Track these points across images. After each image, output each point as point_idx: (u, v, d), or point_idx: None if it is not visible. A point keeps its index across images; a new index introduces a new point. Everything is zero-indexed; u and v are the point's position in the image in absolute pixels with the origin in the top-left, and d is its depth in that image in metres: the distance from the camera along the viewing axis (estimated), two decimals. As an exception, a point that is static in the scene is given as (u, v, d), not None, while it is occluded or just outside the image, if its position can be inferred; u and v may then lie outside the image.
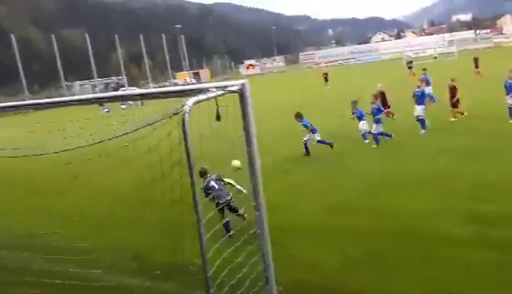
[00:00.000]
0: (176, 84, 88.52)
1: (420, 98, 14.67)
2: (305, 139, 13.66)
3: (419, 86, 15.30)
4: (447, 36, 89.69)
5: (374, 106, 13.83)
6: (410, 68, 34.98)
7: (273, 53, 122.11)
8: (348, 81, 38.48)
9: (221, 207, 7.44)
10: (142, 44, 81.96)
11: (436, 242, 6.60)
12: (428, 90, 18.10)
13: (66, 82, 73.05)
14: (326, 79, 35.33)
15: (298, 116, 13.78)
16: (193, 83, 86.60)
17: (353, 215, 8.03)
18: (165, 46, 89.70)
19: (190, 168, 4.22)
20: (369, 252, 6.53)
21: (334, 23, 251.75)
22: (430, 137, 13.44)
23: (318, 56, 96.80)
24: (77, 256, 7.26)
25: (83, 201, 10.58)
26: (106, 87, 77.59)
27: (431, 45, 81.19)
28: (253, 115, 4.91)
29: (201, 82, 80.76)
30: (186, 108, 3.94)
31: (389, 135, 13.79)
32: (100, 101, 7.06)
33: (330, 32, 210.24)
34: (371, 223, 7.52)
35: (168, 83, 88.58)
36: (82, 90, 73.65)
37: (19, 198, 11.19)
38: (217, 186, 7.86)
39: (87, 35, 73.81)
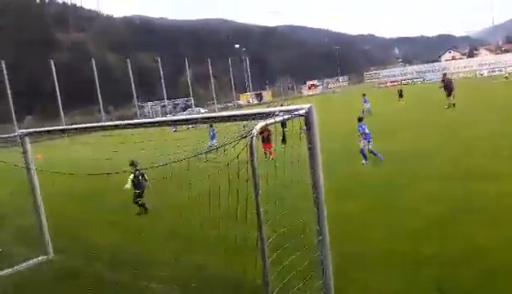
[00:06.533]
0: (239, 105, 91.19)
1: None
2: (361, 146, 14.27)
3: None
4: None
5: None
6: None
7: (337, 73, 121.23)
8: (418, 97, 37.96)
9: (138, 194, 11.46)
10: (210, 67, 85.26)
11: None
12: None
13: (138, 103, 77.58)
14: (401, 95, 37.79)
15: (359, 120, 14.86)
16: (255, 104, 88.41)
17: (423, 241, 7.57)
18: (231, 69, 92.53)
19: (256, 189, 4.32)
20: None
21: (400, 41, 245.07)
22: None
23: (383, 76, 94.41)
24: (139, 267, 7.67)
25: (151, 217, 11.11)
26: (175, 108, 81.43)
27: (508, 63, 76.02)
28: (318, 139, 4.96)
29: (263, 103, 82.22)
30: (254, 132, 4.09)
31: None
32: (169, 124, 7.46)
33: (397, 51, 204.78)
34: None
35: (231, 104, 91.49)
36: (152, 110, 77.88)
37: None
38: (141, 180, 11.45)
39: (158, 59, 78.28)
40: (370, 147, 14.33)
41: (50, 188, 9.59)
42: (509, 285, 5.81)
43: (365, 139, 14.28)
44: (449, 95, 27.76)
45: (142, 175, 11.64)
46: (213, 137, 19.27)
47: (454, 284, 5.93)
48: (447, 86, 28.13)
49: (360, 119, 14.97)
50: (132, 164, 11.45)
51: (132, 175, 11.46)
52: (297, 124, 4.84)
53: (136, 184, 11.58)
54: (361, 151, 14.36)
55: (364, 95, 31.92)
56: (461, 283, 5.93)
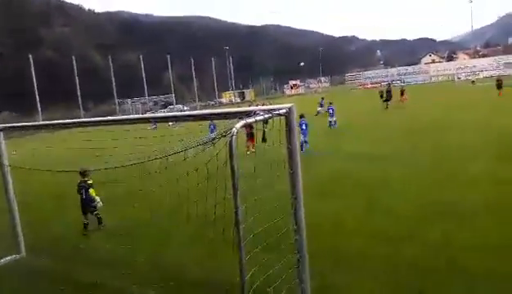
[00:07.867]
0: (221, 103, 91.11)
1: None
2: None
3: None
4: (504, 58, 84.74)
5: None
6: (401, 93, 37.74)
7: (319, 74, 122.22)
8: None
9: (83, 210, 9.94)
10: (192, 65, 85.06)
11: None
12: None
13: (118, 100, 76.70)
14: (382, 96, 38.93)
15: (301, 116, 17.03)
16: (237, 102, 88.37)
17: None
18: (214, 67, 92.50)
19: (235, 188, 4.28)
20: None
21: (382, 44, 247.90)
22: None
23: (364, 77, 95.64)
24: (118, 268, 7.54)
25: (135, 214, 10.85)
26: (155, 105, 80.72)
27: (484, 67, 78.08)
28: (297, 137, 4.96)
29: (245, 101, 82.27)
30: (234, 130, 4.05)
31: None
32: (147, 120, 7.33)
33: (379, 53, 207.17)
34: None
35: (213, 102, 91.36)
36: (132, 107, 77.00)
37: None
38: (84, 195, 9.87)
39: (141, 56, 77.59)
40: (302, 139, 17.01)
41: (24, 184, 9.32)
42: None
43: (300, 132, 16.80)
44: (386, 100, 34.69)
45: (86, 190, 9.95)
46: (212, 131, 19.43)
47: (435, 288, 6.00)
48: (388, 93, 35.38)
49: (301, 116, 17.41)
50: (82, 173, 10.01)
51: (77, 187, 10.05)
52: (277, 122, 4.84)
53: (81, 196, 10.03)
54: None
55: (322, 98, 34.49)
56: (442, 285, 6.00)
